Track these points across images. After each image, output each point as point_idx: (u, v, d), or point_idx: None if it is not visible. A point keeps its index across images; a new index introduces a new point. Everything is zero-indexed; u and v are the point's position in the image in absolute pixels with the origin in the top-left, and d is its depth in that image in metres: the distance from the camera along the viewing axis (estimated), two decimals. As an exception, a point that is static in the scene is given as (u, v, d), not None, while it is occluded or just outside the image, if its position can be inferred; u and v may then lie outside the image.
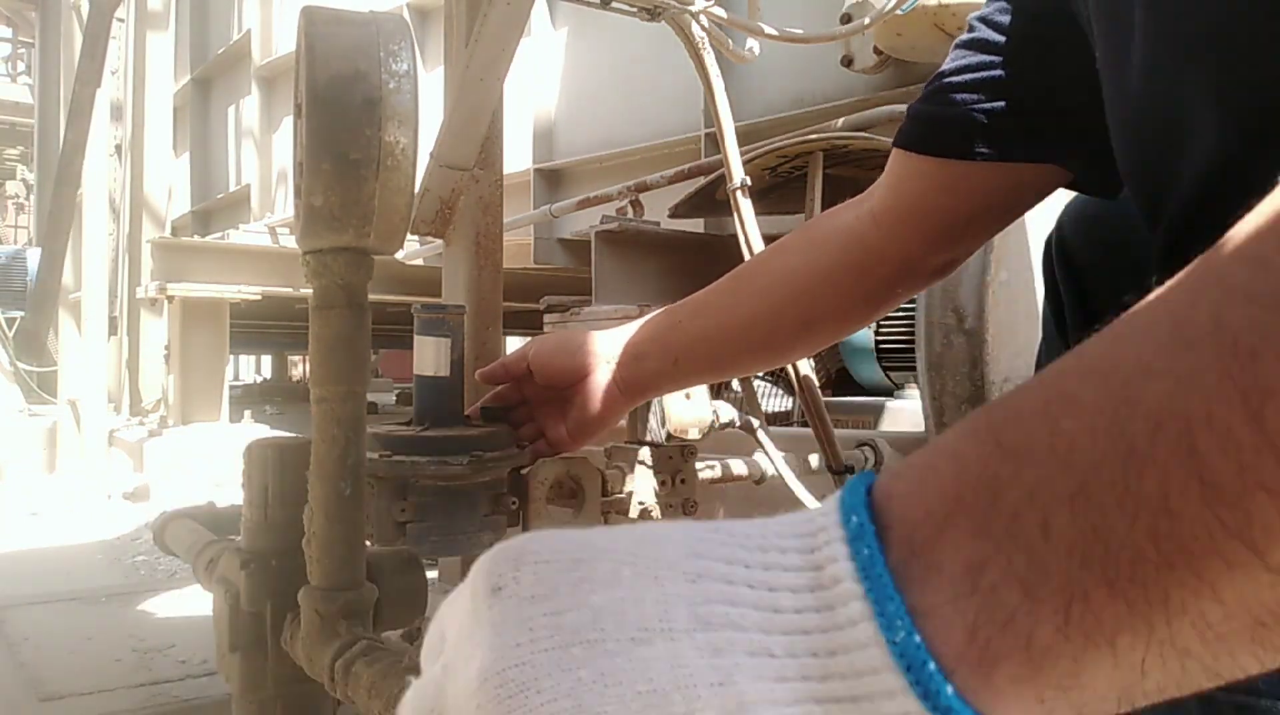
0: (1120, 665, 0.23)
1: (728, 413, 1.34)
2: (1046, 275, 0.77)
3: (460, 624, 0.27)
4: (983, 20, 0.68)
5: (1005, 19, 0.67)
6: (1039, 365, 0.82)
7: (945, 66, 0.70)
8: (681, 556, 0.26)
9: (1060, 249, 0.75)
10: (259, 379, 9.27)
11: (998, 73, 0.66)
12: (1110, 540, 0.22)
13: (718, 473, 1.43)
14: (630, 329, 0.91)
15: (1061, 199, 0.75)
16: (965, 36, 0.69)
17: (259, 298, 4.11)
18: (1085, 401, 0.23)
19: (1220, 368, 0.21)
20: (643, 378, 0.90)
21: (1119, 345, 0.24)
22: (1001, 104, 0.66)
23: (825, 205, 2.74)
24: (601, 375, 0.91)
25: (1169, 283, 0.24)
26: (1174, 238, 0.49)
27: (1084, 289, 0.73)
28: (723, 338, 0.86)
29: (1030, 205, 0.73)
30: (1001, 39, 0.66)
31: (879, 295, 0.82)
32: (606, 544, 0.26)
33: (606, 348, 0.91)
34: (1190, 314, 0.23)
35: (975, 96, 0.67)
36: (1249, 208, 0.24)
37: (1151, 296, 0.24)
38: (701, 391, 1.26)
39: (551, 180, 3.88)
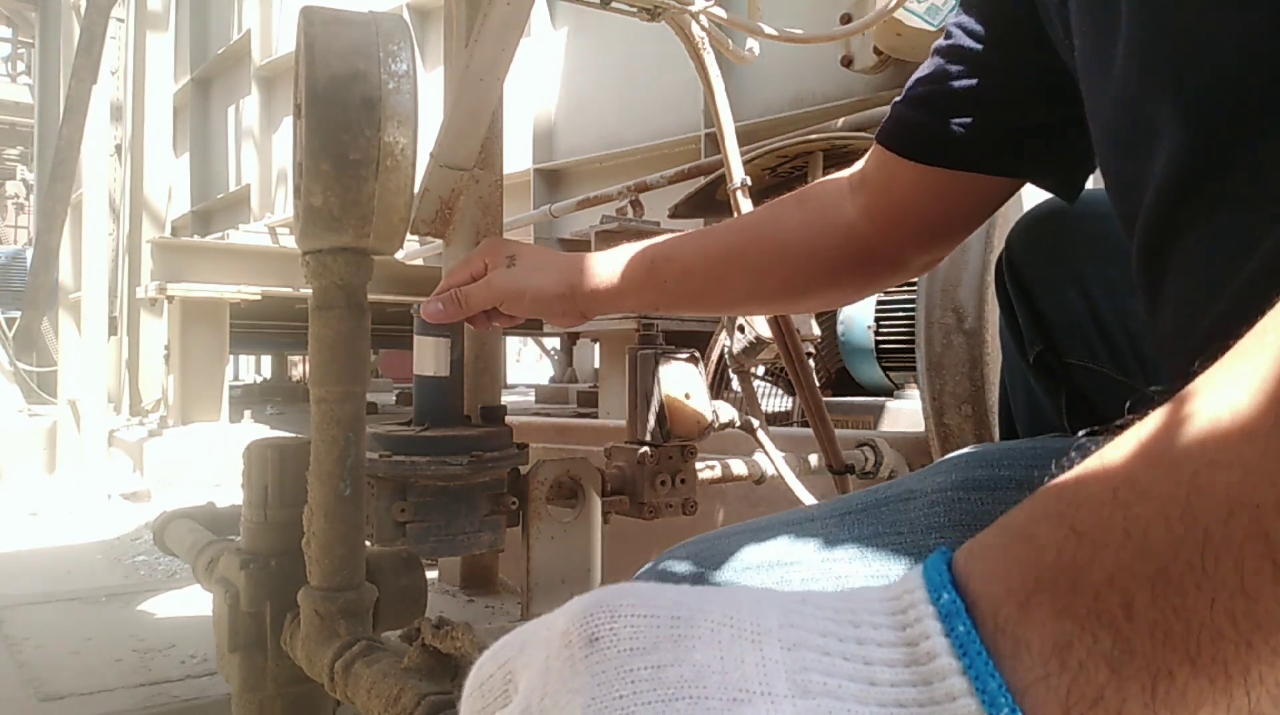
0: None
1: (728, 413, 1.34)
2: (1000, 294, 0.79)
3: (548, 670, 0.27)
4: (961, 28, 0.69)
5: (981, 28, 0.67)
6: (1003, 383, 0.84)
7: (926, 72, 0.71)
8: (777, 625, 0.26)
9: (1010, 267, 0.77)
10: (259, 379, 9.25)
11: (973, 82, 0.68)
12: (1191, 620, 0.23)
13: (718, 473, 1.43)
14: (605, 268, 0.91)
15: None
16: (944, 43, 0.70)
17: (259, 298, 4.11)
18: (1156, 490, 0.25)
19: None
20: (612, 310, 0.95)
21: (1180, 436, 0.25)
22: (982, 120, 0.69)
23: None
24: (572, 309, 0.93)
25: (1218, 369, 0.26)
26: (1148, 243, 0.49)
27: (1035, 305, 0.75)
28: (705, 301, 0.91)
29: (1001, 205, 0.77)
30: (978, 48, 0.67)
31: (870, 285, 0.87)
32: (702, 604, 0.27)
33: (580, 288, 0.92)
34: (1251, 408, 0.24)
35: (959, 109, 0.69)
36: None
37: (1202, 382, 0.26)
38: (701, 391, 1.26)
39: (551, 180, 3.88)
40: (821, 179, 0.86)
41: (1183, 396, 0.26)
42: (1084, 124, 0.65)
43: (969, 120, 0.69)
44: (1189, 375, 0.26)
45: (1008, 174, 0.72)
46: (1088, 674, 0.24)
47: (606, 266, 0.91)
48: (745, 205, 1.44)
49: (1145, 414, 0.27)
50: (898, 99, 0.74)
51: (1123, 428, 0.27)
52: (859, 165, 0.81)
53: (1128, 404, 0.30)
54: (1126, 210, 0.52)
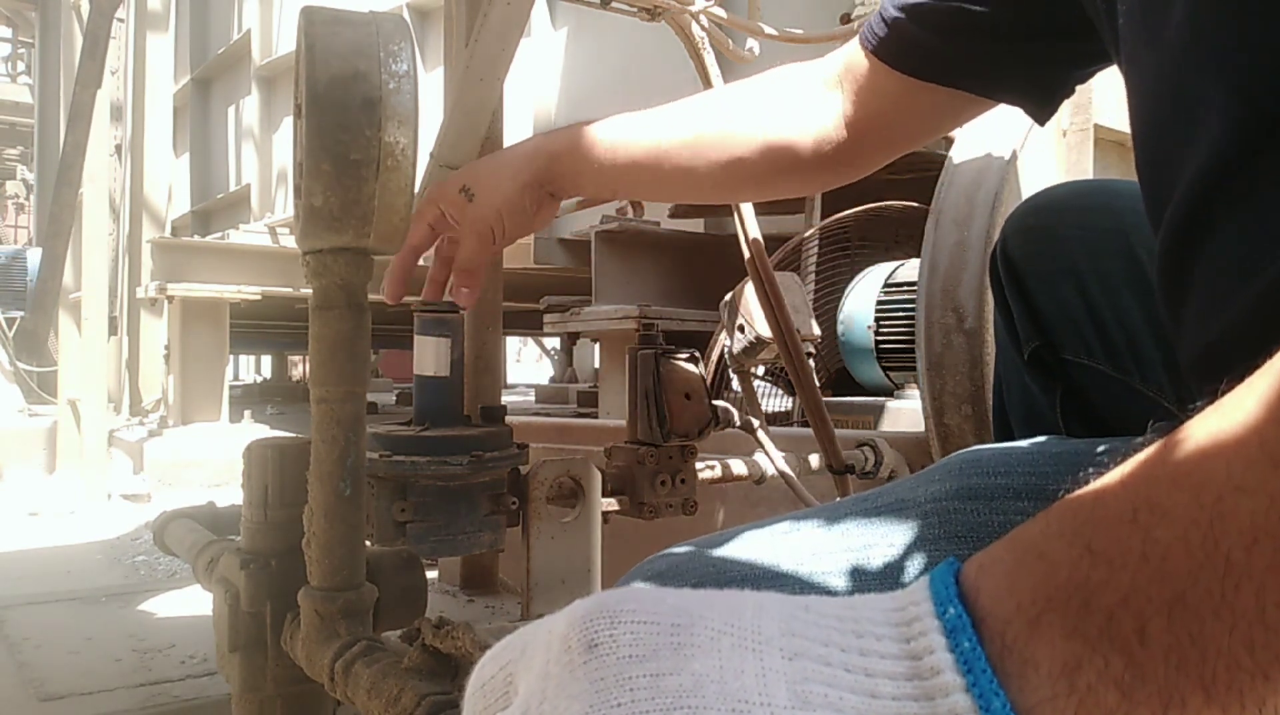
0: None
1: (728, 413, 1.34)
2: (995, 288, 0.79)
3: (547, 675, 0.27)
4: None
5: None
6: (998, 378, 0.84)
7: None
8: (778, 633, 0.26)
9: (1005, 261, 0.76)
10: (259, 379, 9.27)
11: (986, 9, 0.67)
12: (1207, 648, 0.23)
13: (718, 473, 1.43)
14: (567, 150, 0.89)
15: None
16: None
17: (259, 298, 4.11)
18: (1177, 513, 0.24)
19: None
20: (576, 194, 0.93)
21: (1205, 459, 0.25)
22: (990, 46, 0.68)
23: (825, 206, 2.74)
24: (547, 204, 0.92)
25: (1246, 389, 0.25)
26: (1174, 237, 0.48)
27: (1030, 300, 0.74)
28: (669, 192, 0.92)
29: (967, 121, 0.79)
30: None
31: (828, 183, 0.88)
32: (703, 610, 0.27)
33: (543, 178, 0.89)
34: (1277, 433, 0.24)
35: (966, 31, 0.68)
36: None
37: (1229, 402, 0.25)
38: (701, 391, 1.26)
39: (551, 180, 3.87)
40: (790, 69, 0.84)
41: (1208, 416, 0.25)
42: (1083, 58, 0.66)
43: (976, 44, 0.68)
44: (1216, 393, 0.26)
45: (1001, 98, 0.72)
46: (1096, 697, 0.24)
47: (568, 148, 0.88)
48: (745, 205, 1.43)
49: (1168, 431, 0.26)
50: (894, 8, 0.72)
51: (1144, 445, 0.26)
52: (833, 62, 0.80)
53: (1151, 422, 0.29)
54: (1158, 192, 0.50)
